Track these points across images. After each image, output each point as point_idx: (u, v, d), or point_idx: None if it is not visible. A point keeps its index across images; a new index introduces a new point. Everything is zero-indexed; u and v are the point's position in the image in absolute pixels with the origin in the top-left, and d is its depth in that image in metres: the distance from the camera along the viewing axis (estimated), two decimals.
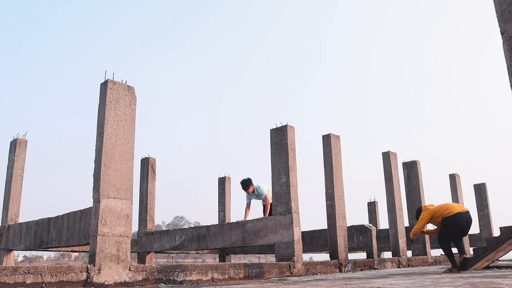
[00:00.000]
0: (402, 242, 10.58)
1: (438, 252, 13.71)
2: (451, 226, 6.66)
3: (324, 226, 9.32)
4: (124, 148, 5.27)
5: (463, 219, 6.68)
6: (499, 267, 7.53)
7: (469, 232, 14.21)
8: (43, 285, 4.41)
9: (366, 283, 4.52)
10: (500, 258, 7.95)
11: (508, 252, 7.39)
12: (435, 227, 7.12)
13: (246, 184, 9.00)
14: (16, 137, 9.34)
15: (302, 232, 9.65)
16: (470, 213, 6.93)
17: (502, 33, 3.26)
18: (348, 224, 9.76)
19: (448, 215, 6.67)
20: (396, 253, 10.60)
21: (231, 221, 10.68)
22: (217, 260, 14.66)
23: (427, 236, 11.36)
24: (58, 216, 7.39)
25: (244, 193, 9.20)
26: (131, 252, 6.17)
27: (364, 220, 21.09)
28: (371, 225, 10.22)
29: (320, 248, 11.45)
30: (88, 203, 6.65)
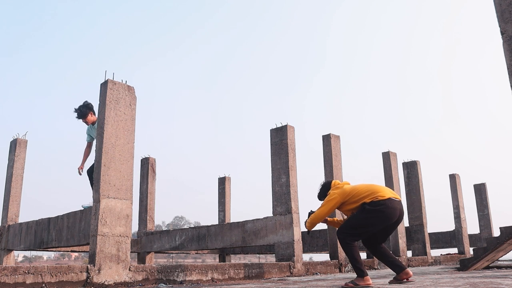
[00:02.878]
0: (402, 242, 10.57)
1: (438, 252, 13.72)
2: (377, 216, 4.32)
3: (324, 226, 9.32)
4: (124, 148, 5.27)
5: (396, 209, 4.39)
6: (499, 267, 7.52)
7: (469, 232, 14.33)
8: (43, 285, 4.40)
9: None
10: (500, 258, 7.95)
11: (508, 252, 7.38)
12: (345, 217, 4.87)
13: (85, 111, 6.30)
14: (16, 137, 9.34)
15: (302, 232, 9.65)
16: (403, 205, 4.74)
17: (502, 33, 3.26)
18: None
19: (375, 200, 4.35)
20: (396, 253, 10.59)
21: (232, 221, 10.69)
22: (217, 260, 14.65)
23: (427, 236, 11.35)
24: (58, 216, 7.39)
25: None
26: (131, 252, 6.17)
27: None
28: None
29: (320, 248, 11.45)
30: None
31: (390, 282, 4.48)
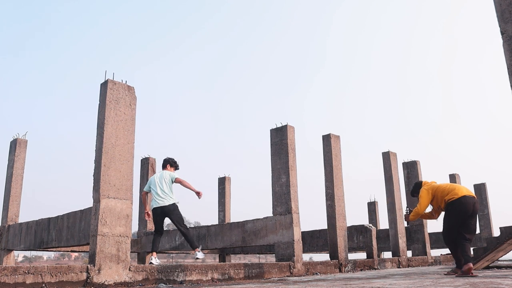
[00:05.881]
0: (402, 242, 10.57)
1: (438, 252, 13.71)
2: (456, 213, 5.52)
3: (324, 226, 9.32)
4: (124, 148, 5.27)
5: (469, 203, 5.49)
6: (499, 267, 7.52)
7: None
8: (43, 285, 4.40)
9: (366, 283, 4.52)
10: (500, 258, 7.95)
11: (508, 252, 7.38)
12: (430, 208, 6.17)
13: (165, 162, 6.72)
14: (16, 137, 9.34)
15: (302, 232, 9.65)
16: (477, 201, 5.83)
17: (502, 33, 3.26)
18: (348, 224, 9.77)
19: (451, 199, 5.55)
20: (396, 253, 10.60)
21: (232, 221, 10.68)
22: (217, 260, 14.66)
23: (427, 236, 11.35)
24: (58, 216, 7.39)
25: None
26: (131, 252, 6.17)
27: (364, 220, 21.09)
28: (371, 225, 10.22)
29: (320, 248, 11.45)
30: (88, 203, 6.65)
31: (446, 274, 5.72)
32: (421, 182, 6.03)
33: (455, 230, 5.59)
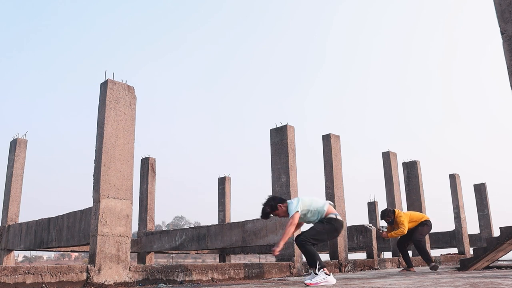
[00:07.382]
0: None
1: (438, 253, 13.75)
2: (428, 230, 7.89)
3: None
4: (124, 148, 5.27)
5: (429, 226, 7.82)
6: (499, 267, 7.52)
7: (469, 232, 14.48)
8: (43, 285, 4.41)
9: (366, 283, 4.52)
10: (500, 258, 7.94)
11: (508, 252, 7.37)
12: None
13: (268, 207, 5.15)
14: (16, 137, 9.35)
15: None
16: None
17: (502, 33, 3.26)
18: (348, 224, 9.77)
19: (419, 223, 7.74)
20: (396, 253, 10.60)
21: (232, 221, 10.67)
22: (217, 260, 14.66)
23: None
24: (58, 216, 7.39)
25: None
26: (131, 252, 6.17)
27: (364, 220, 21.10)
28: (371, 225, 10.23)
29: (320, 248, 11.45)
30: (88, 203, 6.65)
31: (400, 272, 7.19)
32: (394, 210, 7.72)
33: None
